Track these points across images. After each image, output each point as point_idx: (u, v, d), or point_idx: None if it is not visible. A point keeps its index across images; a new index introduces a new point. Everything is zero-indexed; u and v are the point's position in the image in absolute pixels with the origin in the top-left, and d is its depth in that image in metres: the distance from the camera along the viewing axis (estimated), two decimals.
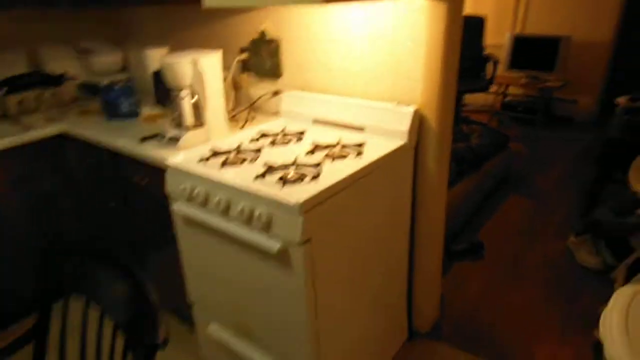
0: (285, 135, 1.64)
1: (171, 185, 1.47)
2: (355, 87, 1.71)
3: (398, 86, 1.59)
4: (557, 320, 1.97)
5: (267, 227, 1.20)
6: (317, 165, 1.34)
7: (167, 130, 1.68)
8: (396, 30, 1.53)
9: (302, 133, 1.65)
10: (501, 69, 4.64)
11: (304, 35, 1.79)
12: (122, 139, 1.75)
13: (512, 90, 4.97)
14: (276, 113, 1.96)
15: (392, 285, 1.69)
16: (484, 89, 4.15)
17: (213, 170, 1.36)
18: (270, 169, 1.33)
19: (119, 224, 2.04)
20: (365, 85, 1.68)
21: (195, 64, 1.57)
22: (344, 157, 1.40)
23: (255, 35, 1.94)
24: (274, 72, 1.94)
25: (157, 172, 1.59)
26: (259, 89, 2.03)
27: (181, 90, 1.60)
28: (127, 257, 0.93)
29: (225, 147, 1.54)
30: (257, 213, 1.21)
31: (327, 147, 1.49)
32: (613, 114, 3.32)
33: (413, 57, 1.52)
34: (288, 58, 1.88)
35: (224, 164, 1.40)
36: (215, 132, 1.69)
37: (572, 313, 2.01)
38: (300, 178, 1.26)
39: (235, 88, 2.04)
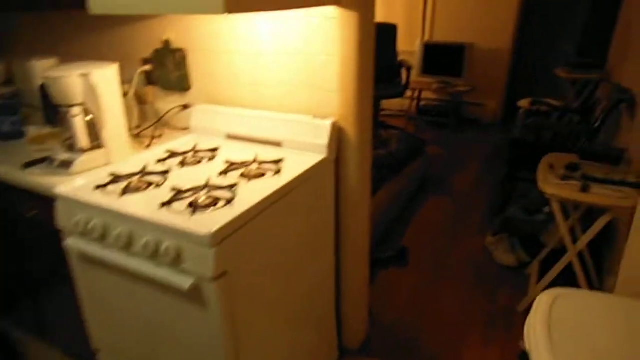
0: (196, 153, 1.50)
1: (63, 217, 1.28)
2: (270, 100, 1.62)
3: (314, 98, 1.53)
4: (480, 321, 2.02)
5: (176, 262, 1.06)
6: (232, 187, 1.23)
7: (58, 153, 1.47)
8: (308, 41, 1.46)
9: (215, 150, 1.52)
10: (414, 75, 4.81)
11: (213, 46, 1.66)
12: (1, 164, 1.50)
13: (426, 95, 5.17)
14: (186, 129, 1.81)
15: (319, 305, 1.61)
16: (400, 94, 4.26)
17: (111, 199, 1.19)
18: (178, 194, 1.19)
19: (2, 264, 1.76)
20: (281, 98, 1.59)
21: (86, 78, 1.39)
22: (261, 175, 1.31)
23: (158, 45, 1.78)
24: (181, 84, 1.79)
25: (47, 202, 1.37)
26: (167, 103, 1.87)
27: (72, 107, 1.41)
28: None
29: (128, 170, 1.37)
30: (163, 247, 1.07)
31: (242, 165, 1.38)
32: (516, 117, 3.55)
33: (327, 68, 1.46)
34: (197, 69, 1.74)
35: (125, 190, 1.24)
36: (116, 153, 1.51)
37: (494, 312, 2.08)
38: (213, 203, 1.14)
39: (139, 103, 1.86)
